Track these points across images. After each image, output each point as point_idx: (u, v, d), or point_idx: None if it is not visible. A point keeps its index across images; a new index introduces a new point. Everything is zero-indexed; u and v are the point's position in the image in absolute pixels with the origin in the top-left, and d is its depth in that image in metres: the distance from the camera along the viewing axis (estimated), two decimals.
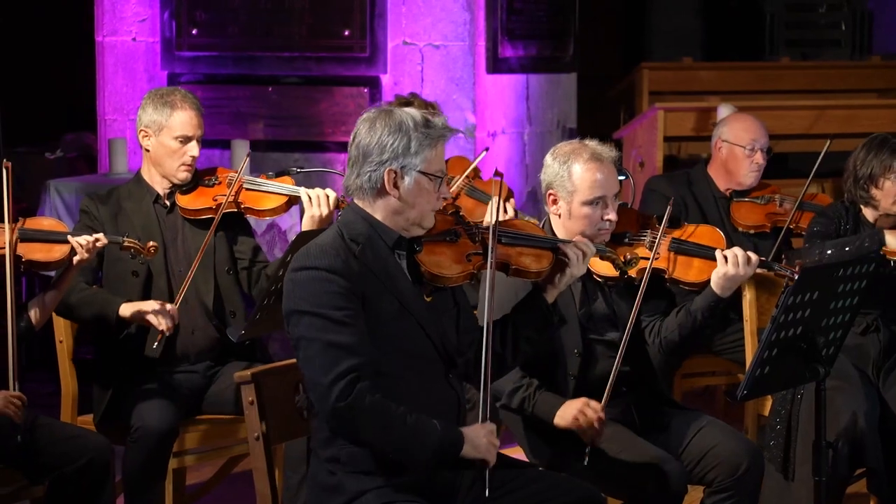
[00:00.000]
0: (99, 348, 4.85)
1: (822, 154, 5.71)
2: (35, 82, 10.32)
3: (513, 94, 7.93)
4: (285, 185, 4.96)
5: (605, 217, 4.25)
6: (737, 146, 5.86)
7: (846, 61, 12.17)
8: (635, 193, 6.28)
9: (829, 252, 4.87)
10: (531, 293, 3.83)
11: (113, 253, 4.78)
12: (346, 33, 7.61)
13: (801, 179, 5.98)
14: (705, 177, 5.96)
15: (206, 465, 5.14)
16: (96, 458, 4.30)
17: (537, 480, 3.75)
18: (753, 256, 4.26)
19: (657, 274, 4.33)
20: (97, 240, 4.49)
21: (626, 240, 4.40)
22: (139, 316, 4.65)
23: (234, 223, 4.98)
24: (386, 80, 7.58)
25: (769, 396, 5.01)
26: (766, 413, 5.06)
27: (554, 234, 4.27)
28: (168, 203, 4.93)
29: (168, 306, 4.66)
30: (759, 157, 5.85)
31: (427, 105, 5.57)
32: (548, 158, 4.31)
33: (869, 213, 5.09)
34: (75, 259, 4.46)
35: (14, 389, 4.19)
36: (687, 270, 4.34)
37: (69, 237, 4.48)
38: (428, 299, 3.64)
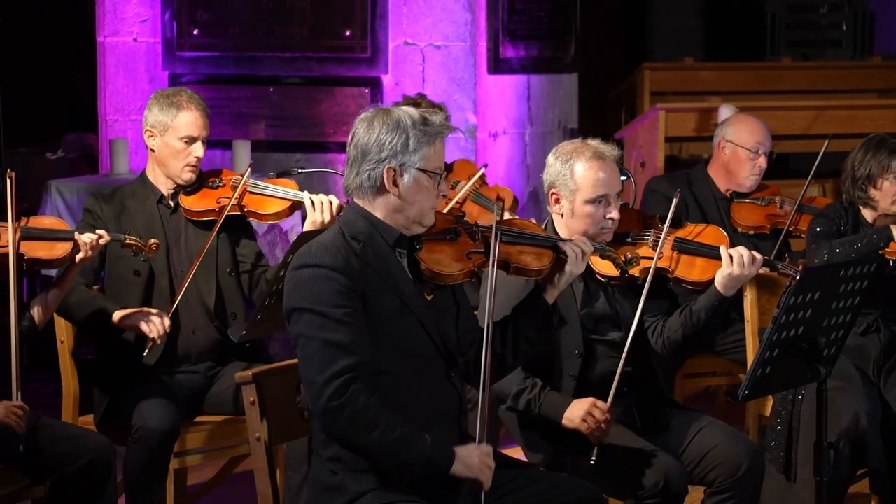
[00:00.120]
0: (99, 349, 4.85)
1: (820, 154, 5.70)
2: (36, 82, 10.31)
3: (514, 94, 7.93)
4: (289, 190, 4.95)
5: (608, 215, 4.24)
6: (741, 148, 5.85)
7: (847, 62, 12.17)
8: (636, 194, 6.28)
9: (838, 250, 4.87)
10: (531, 293, 3.83)
11: (115, 252, 4.78)
12: (348, 34, 7.61)
13: (802, 180, 5.97)
14: (705, 177, 5.96)
15: (208, 465, 5.14)
16: (97, 458, 4.30)
17: (538, 481, 3.74)
18: (758, 256, 4.25)
19: (660, 273, 4.32)
20: (100, 237, 4.49)
21: (629, 240, 4.39)
22: (131, 324, 4.64)
23: (237, 226, 4.98)
24: (387, 80, 7.59)
25: (770, 397, 5.00)
26: (768, 413, 5.05)
27: (557, 234, 4.27)
28: (172, 203, 4.93)
29: (158, 319, 4.63)
30: (762, 161, 5.84)
31: (434, 106, 5.57)
32: (550, 158, 4.31)
33: (868, 214, 5.07)
34: (78, 257, 4.46)
35: (17, 398, 4.19)
36: (690, 270, 4.33)
37: (75, 234, 4.48)
38: (429, 297, 3.64)
